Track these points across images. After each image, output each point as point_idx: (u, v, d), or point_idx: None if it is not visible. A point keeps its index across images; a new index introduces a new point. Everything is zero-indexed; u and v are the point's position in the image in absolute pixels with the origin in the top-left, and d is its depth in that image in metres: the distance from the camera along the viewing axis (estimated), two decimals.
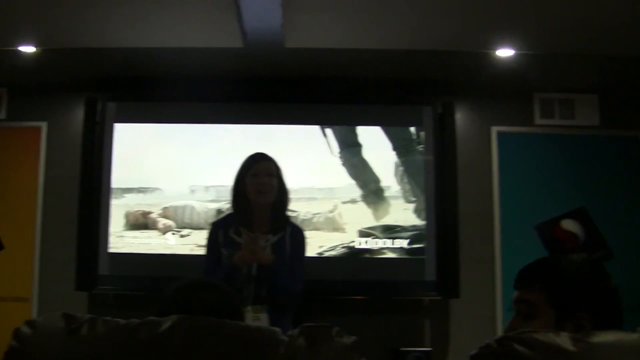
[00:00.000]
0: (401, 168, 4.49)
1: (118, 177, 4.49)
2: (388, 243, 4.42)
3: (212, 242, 3.23)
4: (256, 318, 3.02)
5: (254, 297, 3.05)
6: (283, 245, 3.16)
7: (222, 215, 3.67)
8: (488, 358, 1.30)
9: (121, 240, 4.45)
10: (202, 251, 3.33)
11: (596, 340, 1.32)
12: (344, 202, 4.47)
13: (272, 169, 3.19)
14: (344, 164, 4.50)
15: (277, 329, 1.21)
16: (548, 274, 1.66)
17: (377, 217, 4.46)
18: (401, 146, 4.50)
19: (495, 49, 4.12)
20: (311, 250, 4.28)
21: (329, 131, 4.52)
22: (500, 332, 4.43)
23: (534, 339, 1.29)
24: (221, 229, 3.22)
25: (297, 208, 4.43)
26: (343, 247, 4.43)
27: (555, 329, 1.53)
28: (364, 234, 4.44)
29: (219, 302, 1.49)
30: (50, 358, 1.16)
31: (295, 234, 3.25)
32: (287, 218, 3.29)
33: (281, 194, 3.21)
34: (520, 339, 1.30)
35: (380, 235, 4.43)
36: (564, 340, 1.30)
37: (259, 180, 3.14)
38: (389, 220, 4.45)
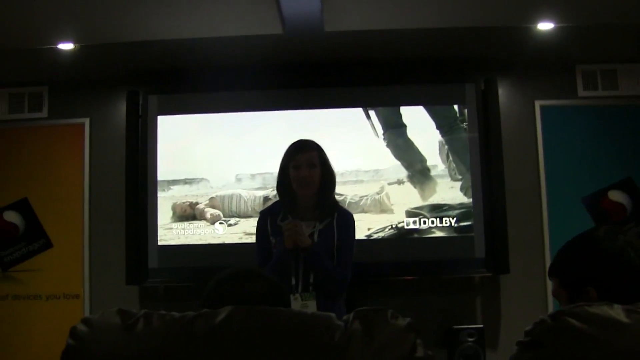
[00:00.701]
0: (446, 146, 4.48)
1: (164, 169, 4.49)
2: (436, 222, 4.41)
3: (261, 232, 3.23)
4: (304, 305, 3.03)
5: (303, 285, 3.06)
6: (331, 231, 3.14)
7: (269, 204, 3.66)
8: (543, 333, 1.32)
9: (169, 232, 4.46)
10: (251, 239, 3.33)
11: None
12: (391, 184, 4.47)
13: (314, 159, 3.14)
14: (388, 145, 4.49)
15: (333, 315, 1.21)
16: (555, 260, 1.73)
17: (424, 197, 4.46)
18: (445, 125, 4.49)
19: (535, 23, 4.10)
20: (360, 233, 4.28)
21: (372, 113, 4.51)
22: (551, 306, 4.45)
23: (587, 313, 1.31)
24: (269, 217, 3.21)
25: (344, 191, 4.44)
26: (391, 229, 4.43)
27: None
28: (411, 214, 4.44)
29: (263, 290, 1.49)
30: (108, 354, 1.16)
31: (344, 219, 3.22)
32: (334, 204, 3.26)
33: (325, 182, 3.17)
34: (574, 313, 1.31)
35: (428, 214, 4.43)
36: (617, 312, 1.31)
37: (301, 173, 3.11)
38: (436, 199, 4.45)
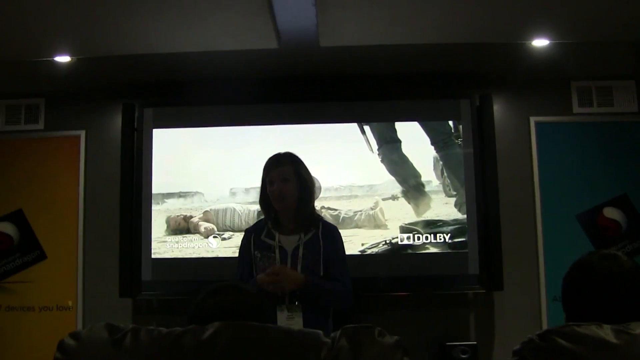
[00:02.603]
0: (441, 162, 4.47)
1: (158, 182, 4.50)
2: (430, 238, 4.40)
3: (244, 248, 3.23)
4: (290, 317, 3.01)
5: (289, 297, 3.05)
6: (317, 242, 3.13)
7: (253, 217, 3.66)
8: (531, 353, 1.31)
9: (163, 245, 4.46)
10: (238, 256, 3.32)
11: (638, 331, 1.32)
12: (385, 199, 4.46)
13: (287, 173, 3.13)
14: (383, 161, 4.49)
15: (320, 332, 1.21)
16: None
17: (418, 213, 4.45)
18: (440, 140, 4.49)
19: (530, 40, 4.10)
20: (354, 248, 4.32)
21: (367, 128, 4.51)
22: (545, 322, 4.43)
23: (576, 333, 1.30)
24: (253, 234, 3.22)
25: (339, 206, 4.44)
26: (385, 244, 4.42)
27: None
28: (405, 229, 4.43)
29: (246, 304, 1.49)
30: None
31: (329, 231, 3.21)
32: (314, 215, 3.24)
33: (303, 195, 3.15)
34: (563, 333, 1.31)
35: (422, 230, 4.42)
36: (606, 332, 1.31)
37: (275, 188, 3.12)
38: (430, 215, 4.44)
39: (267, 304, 1.61)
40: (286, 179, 3.13)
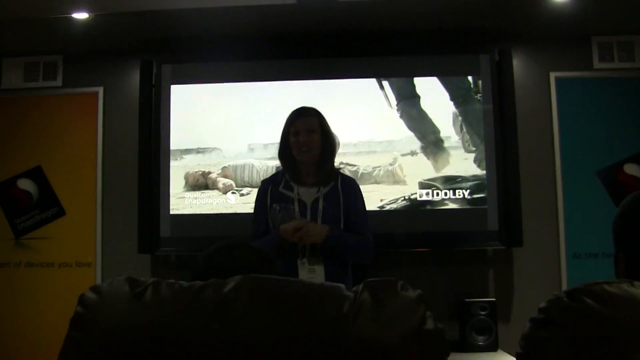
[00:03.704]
0: (460, 118, 4.45)
1: (176, 138, 4.50)
2: (449, 194, 4.39)
3: (259, 200, 3.23)
4: (312, 270, 3.02)
5: (310, 249, 3.05)
6: (337, 194, 3.15)
7: (272, 173, 3.65)
8: (559, 312, 1.25)
9: (182, 201, 4.47)
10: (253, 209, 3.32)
11: None
12: (404, 155, 4.44)
13: (313, 124, 3.15)
14: (402, 116, 4.47)
15: (342, 285, 1.19)
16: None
17: (437, 169, 4.43)
18: (459, 96, 4.46)
19: None
20: (372, 204, 4.30)
21: (386, 84, 4.49)
22: (564, 279, 4.41)
23: (605, 292, 1.24)
24: (270, 185, 3.22)
25: (357, 162, 4.43)
26: (404, 200, 4.41)
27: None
28: (424, 185, 4.41)
29: (252, 260, 1.51)
30: (116, 322, 1.16)
31: (348, 184, 3.22)
32: (335, 170, 3.26)
33: (325, 148, 3.17)
34: (592, 292, 1.24)
35: (441, 186, 4.40)
36: (638, 291, 1.24)
37: (299, 138, 3.12)
38: (449, 171, 4.42)
39: (274, 259, 1.62)
40: (312, 130, 3.14)
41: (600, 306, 1.21)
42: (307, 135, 3.12)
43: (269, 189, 3.21)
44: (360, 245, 3.13)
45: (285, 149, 3.18)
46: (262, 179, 4.36)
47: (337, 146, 3.39)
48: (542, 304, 1.29)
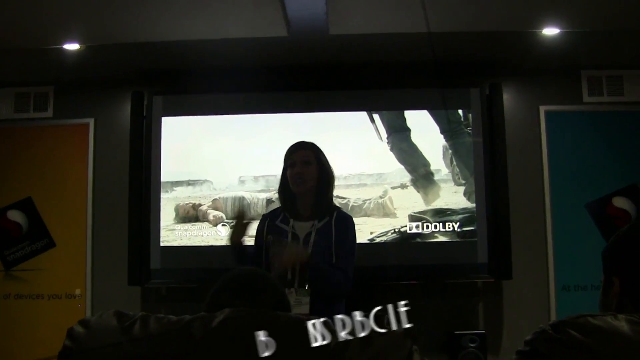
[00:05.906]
0: (450, 151, 4.47)
1: (167, 170, 4.50)
2: (439, 227, 4.40)
3: (257, 233, 3.24)
4: (298, 301, 3.01)
5: (299, 280, 3.04)
6: (329, 230, 3.13)
7: (272, 207, 3.67)
8: (543, 344, 1.29)
9: (172, 233, 4.47)
10: (252, 242, 3.32)
11: None
12: (394, 187, 4.46)
13: (309, 157, 3.17)
14: (392, 149, 4.49)
15: (329, 319, 1.20)
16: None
17: (427, 201, 4.45)
18: (449, 129, 4.48)
19: (541, 28, 4.08)
20: (363, 237, 4.31)
21: (376, 116, 4.51)
22: (553, 312, 4.42)
23: (589, 324, 1.27)
24: (268, 219, 3.24)
25: (348, 194, 4.44)
26: (394, 233, 4.42)
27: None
28: (414, 218, 4.43)
29: (267, 294, 1.48)
30: (104, 357, 1.17)
31: (343, 220, 3.20)
32: (332, 204, 3.25)
33: (322, 180, 3.18)
34: (576, 325, 1.27)
35: (431, 219, 4.41)
36: (621, 324, 1.27)
37: (295, 170, 3.14)
38: (439, 203, 4.44)
39: (284, 291, 1.59)
40: (307, 162, 3.16)
41: (585, 338, 1.24)
42: (302, 166, 3.14)
43: (267, 221, 3.23)
44: (330, 275, 3.07)
45: (284, 183, 3.21)
46: (252, 211, 4.42)
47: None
48: (528, 337, 1.33)
